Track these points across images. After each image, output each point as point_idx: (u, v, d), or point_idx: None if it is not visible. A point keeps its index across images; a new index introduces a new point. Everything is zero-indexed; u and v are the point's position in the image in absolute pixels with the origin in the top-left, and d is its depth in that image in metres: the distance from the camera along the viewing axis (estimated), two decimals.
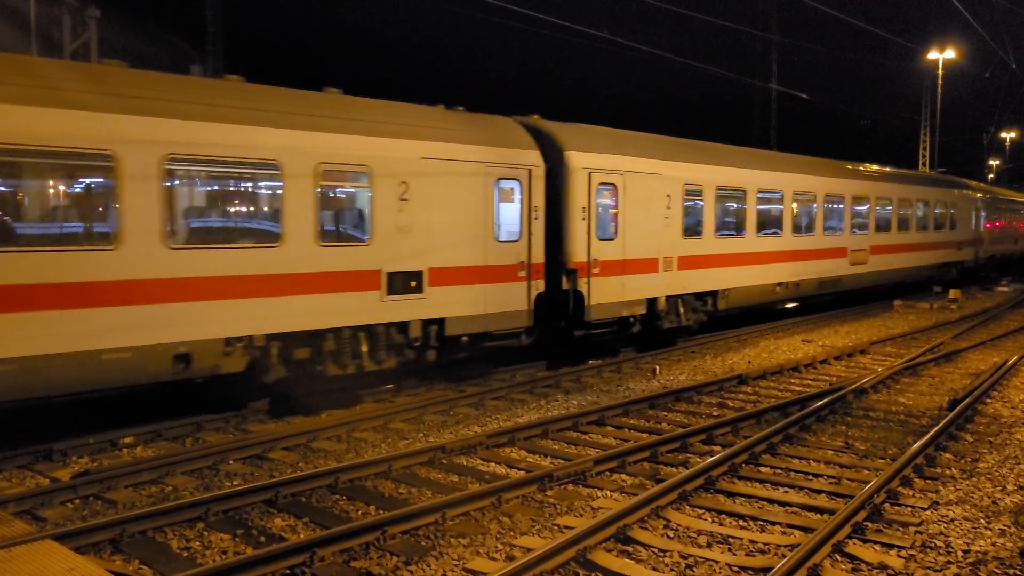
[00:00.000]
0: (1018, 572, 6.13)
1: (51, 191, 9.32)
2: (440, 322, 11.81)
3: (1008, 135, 70.73)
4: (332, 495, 7.83)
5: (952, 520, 7.19)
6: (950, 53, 40.79)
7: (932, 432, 9.44)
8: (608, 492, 7.95)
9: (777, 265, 18.90)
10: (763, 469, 8.72)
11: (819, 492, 7.96)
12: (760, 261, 18.32)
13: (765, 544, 6.68)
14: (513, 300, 12.74)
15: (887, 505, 7.50)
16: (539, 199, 13.05)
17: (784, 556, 6.30)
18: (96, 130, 8.59)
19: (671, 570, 6.19)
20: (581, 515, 7.30)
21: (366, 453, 9.23)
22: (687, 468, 8.46)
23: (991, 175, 72.91)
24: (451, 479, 8.36)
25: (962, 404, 10.91)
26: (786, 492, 7.98)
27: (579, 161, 13.67)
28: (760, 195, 18.33)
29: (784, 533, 6.96)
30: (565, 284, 13.66)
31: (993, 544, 6.68)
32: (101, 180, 9.04)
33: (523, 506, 7.51)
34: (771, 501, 7.71)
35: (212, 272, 9.47)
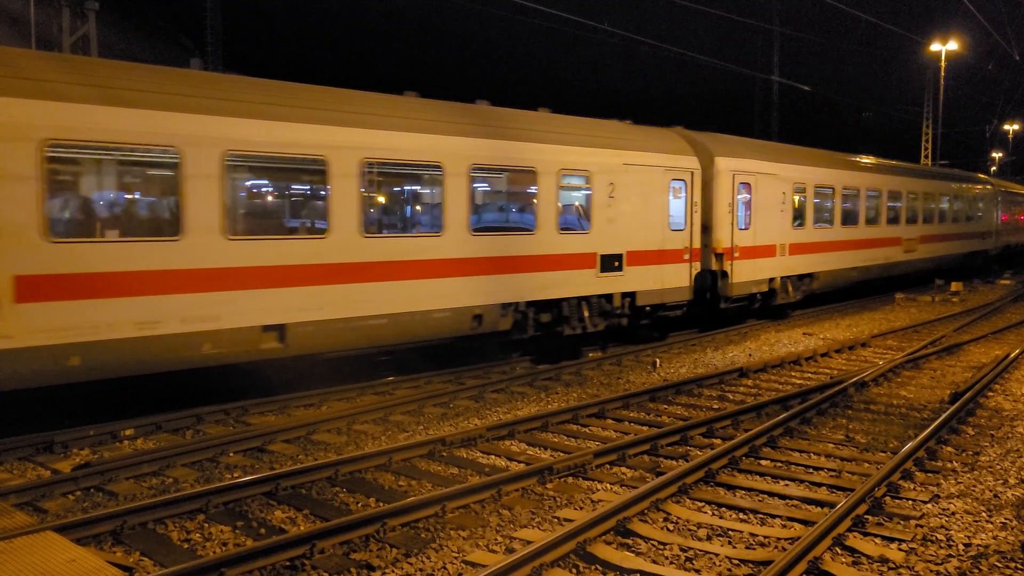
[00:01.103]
0: (1020, 566, 6.13)
1: (406, 193, 12.55)
2: (632, 295, 14.84)
3: (1011, 127, 70.54)
4: (332, 487, 7.83)
5: (953, 513, 7.19)
6: (953, 45, 40.65)
7: (933, 425, 9.43)
8: (608, 485, 7.94)
9: (854, 252, 22.20)
10: (763, 462, 8.71)
11: (820, 485, 7.96)
12: (843, 248, 21.63)
13: (765, 537, 6.68)
14: (679, 278, 15.75)
15: (888, 498, 7.50)
16: (697, 196, 16.07)
17: (784, 549, 6.30)
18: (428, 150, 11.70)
19: (671, 563, 6.18)
20: (581, 508, 7.30)
21: (366, 445, 9.23)
22: (687, 461, 8.46)
23: (993, 167, 72.77)
24: (451, 472, 8.36)
25: (964, 397, 10.90)
26: (786, 485, 7.98)
27: (725, 165, 16.68)
28: (844, 192, 21.67)
29: (784, 526, 6.96)
30: (713, 265, 16.74)
31: (994, 537, 6.67)
32: (432, 188, 12.25)
33: (523, 499, 7.51)
34: (771, 494, 7.70)
35: (496, 253, 12.48)
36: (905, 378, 13.15)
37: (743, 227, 17.31)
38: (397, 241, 11.52)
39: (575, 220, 13.91)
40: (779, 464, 8.66)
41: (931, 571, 6.03)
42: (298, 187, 11.22)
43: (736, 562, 6.19)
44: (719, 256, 16.67)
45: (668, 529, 6.84)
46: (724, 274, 16.74)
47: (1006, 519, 7.07)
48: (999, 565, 6.14)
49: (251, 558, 5.88)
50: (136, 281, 8.93)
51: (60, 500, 7.47)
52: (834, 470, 8.40)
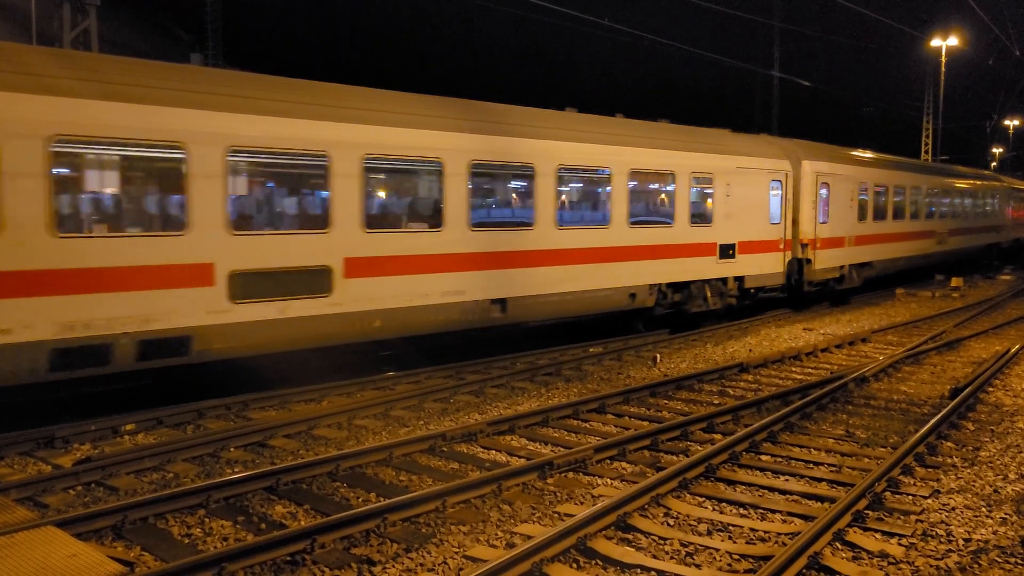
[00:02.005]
0: (1020, 561, 6.13)
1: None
2: (742, 279, 17.72)
3: (1011, 123, 70.43)
4: (333, 482, 7.84)
5: (953, 509, 7.19)
6: (953, 40, 40.54)
7: (934, 421, 9.43)
8: (608, 480, 7.95)
9: (901, 243, 25.37)
10: (764, 457, 8.72)
11: (820, 480, 7.96)
12: (894, 240, 24.77)
13: (766, 532, 6.68)
14: (776, 264, 18.71)
15: (888, 494, 7.50)
16: (790, 194, 18.91)
17: (785, 544, 6.30)
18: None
19: (671, 558, 6.19)
20: (581, 503, 7.30)
21: (367, 440, 9.24)
22: (687, 456, 8.46)
23: (994, 163, 72.69)
24: (451, 467, 8.37)
25: (964, 393, 10.90)
26: (787, 480, 7.98)
27: (810, 167, 19.61)
28: (894, 190, 24.83)
29: (785, 521, 6.96)
30: (799, 254, 19.57)
31: (994, 533, 6.68)
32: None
33: (523, 494, 7.51)
34: (772, 489, 7.71)
35: (646, 243, 15.39)
36: (905, 373, 13.15)
37: (823, 221, 20.17)
38: (580, 232, 14.18)
39: (701, 215, 16.66)
40: (779, 459, 8.66)
41: (931, 566, 6.03)
42: (515, 188, 13.76)
43: (736, 557, 6.20)
44: (804, 246, 19.61)
45: (668, 524, 6.85)
46: (808, 261, 19.67)
47: (1006, 514, 7.07)
48: (999, 560, 6.14)
49: (252, 553, 5.89)
50: (416, 263, 11.74)
51: (61, 495, 7.48)
52: (834, 465, 8.41)
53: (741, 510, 7.21)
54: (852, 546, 6.37)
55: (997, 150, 74.37)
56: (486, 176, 12.88)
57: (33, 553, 5.41)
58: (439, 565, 6.02)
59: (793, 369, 13.56)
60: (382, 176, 11.75)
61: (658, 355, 14.38)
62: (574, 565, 6.03)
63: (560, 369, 13.24)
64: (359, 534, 6.45)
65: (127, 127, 8.98)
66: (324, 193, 10.76)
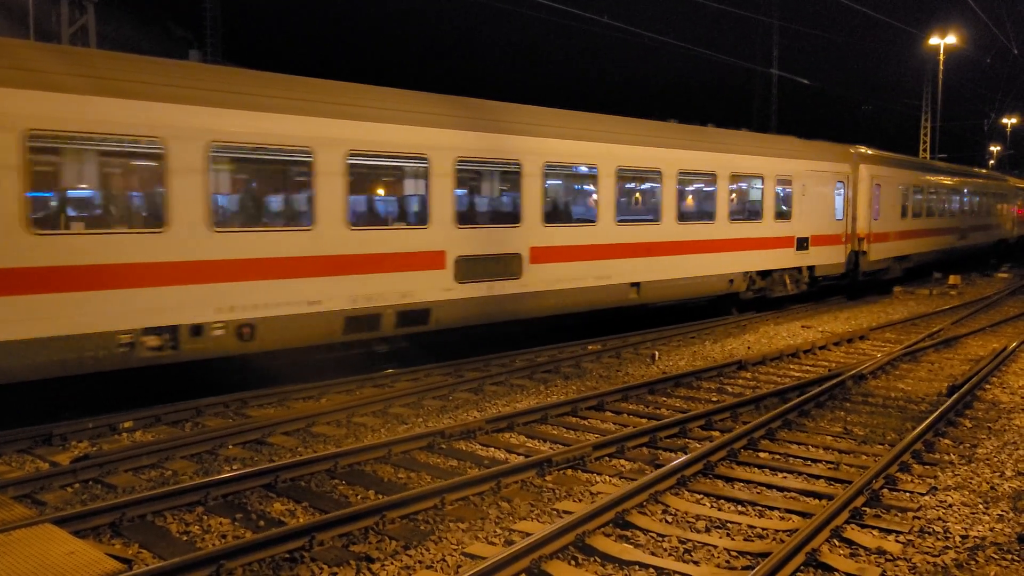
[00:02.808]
0: (1016, 557, 6.15)
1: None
2: (813, 268, 20.35)
3: (1009, 121, 70.47)
4: (331, 480, 7.84)
5: (950, 506, 7.21)
6: (951, 39, 40.56)
7: (931, 418, 9.45)
8: (607, 477, 7.96)
9: (933, 238, 28.49)
10: (762, 454, 8.73)
11: (818, 478, 7.97)
12: (927, 236, 27.71)
13: (763, 529, 6.70)
14: (839, 256, 21.42)
15: (885, 491, 7.52)
16: (850, 193, 21.67)
17: (782, 541, 6.31)
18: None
19: (670, 555, 6.20)
20: (580, 500, 7.31)
21: (365, 438, 9.24)
22: (686, 453, 8.46)
23: (991, 161, 72.74)
24: (450, 464, 8.37)
25: (961, 390, 10.92)
26: (785, 477, 7.99)
27: (866, 171, 22.38)
28: (927, 190, 28.03)
29: (783, 518, 6.98)
30: (856, 247, 22.23)
31: (991, 529, 6.69)
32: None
33: (522, 491, 7.52)
34: (770, 486, 7.72)
35: (743, 235, 17.83)
36: (903, 371, 13.17)
37: (875, 218, 22.94)
38: (695, 227, 16.59)
39: (782, 212, 19.16)
40: (777, 456, 8.68)
41: (928, 563, 6.05)
42: (644, 187, 16.08)
43: (735, 554, 6.21)
44: (860, 240, 22.26)
45: (667, 521, 6.86)
46: (863, 253, 22.45)
47: (1003, 511, 7.09)
48: (995, 557, 6.16)
49: (250, 550, 5.89)
50: (579, 252, 14.29)
51: (59, 492, 7.48)
52: (832, 462, 8.42)
53: (739, 507, 7.22)
54: (850, 543, 6.38)
55: (995, 148, 74.41)
56: (630, 179, 15.66)
57: (31, 551, 5.41)
58: (438, 562, 6.02)
59: (791, 367, 13.57)
60: (559, 181, 14.65)
61: (656, 353, 14.39)
62: (573, 562, 6.04)
63: (559, 367, 13.25)
64: (358, 531, 6.46)
65: (400, 144, 11.74)
66: (517, 194, 13.48)
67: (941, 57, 41.40)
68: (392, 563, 5.98)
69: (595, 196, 14.70)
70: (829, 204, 20.89)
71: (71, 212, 9.36)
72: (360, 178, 11.41)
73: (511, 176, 13.30)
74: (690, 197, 17.01)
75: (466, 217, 12.72)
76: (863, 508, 7.01)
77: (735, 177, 17.56)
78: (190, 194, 9.53)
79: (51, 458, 8.47)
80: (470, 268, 12.38)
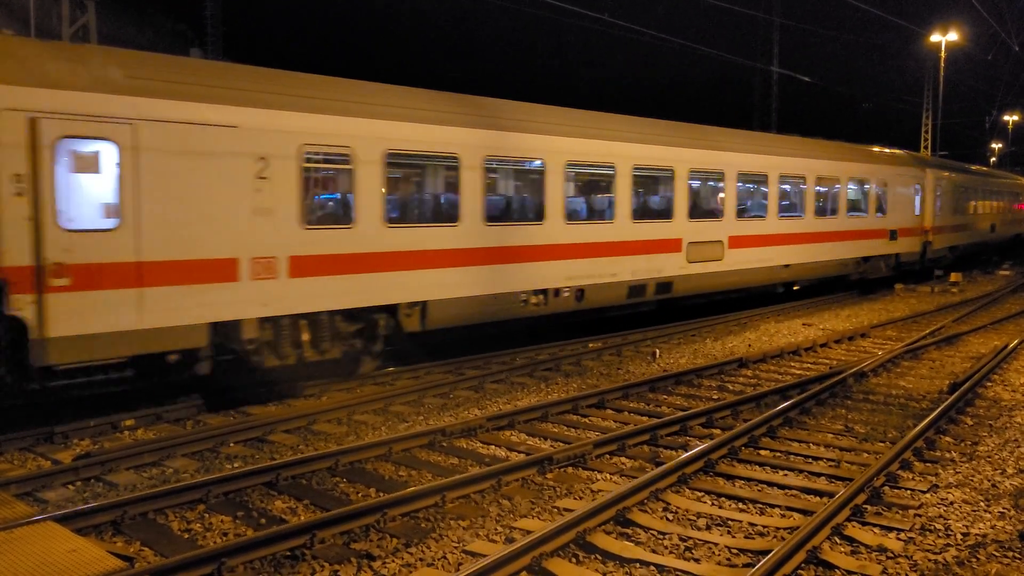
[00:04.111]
0: (1017, 555, 6.15)
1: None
2: (898, 255, 24.53)
3: (1010, 118, 70.35)
4: (332, 477, 7.84)
5: (952, 503, 7.21)
6: (952, 35, 40.48)
7: (932, 415, 9.45)
8: (608, 475, 7.96)
9: (974, 231, 33.19)
10: (763, 452, 8.73)
11: (819, 475, 7.97)
12: (971, 229, 32.61)
13: (764, 527, 6.70)
14: (916, 245, 25.76)
15: (887, 488, 7.52)
16: (924, 194, 26.08)
17: (783, 539, 6.31)
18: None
19: (670, 552, 6.20)
20: (581, 498, 7.31)
21: (366, 436, 9.25)
22: (687, 451, 8.46)
23: (993, 158, 72.63)
24: (451, 462, 8.38)
25: (963, 387, 10.91)
26: (786, 475, 8.00)
27: (932, 175, 26.92)
28: (971, 190, 32.54)
29: (783, 516, 6.98)
30: (924, 238, 26.21)
31: (992, 527, 6.69)
32: (803, 187, 20.38)
33: (523, 489, 7.52)
34: (771, 484, 7.73)
35: (852, 228, 21.85)
36: (904, 368, 13.17)
37: (937, 214, 27.21)
38: (826, 220, 20.78)
39: (880, 208, 23.25)
40: (778, 454, 8.68)
41: (929, 560, 6.05)
42: (791, 189, 19.70)
43: (735, 551, 6.21)
44: (926, 232, 26.41)
45: (668, 519, 6.86)
46: (929, 243, 26.59)
47: (1004, 508, 7.09)
48: (997, 554, 6.16)
49: (251, 548, 5.90)
50: (758, 240, 18.27)
51: (61, 490, 7.49)
52: (833, 460, 8.42)
53: (740, 505, 7.23)
54: (851, 540, 6.39)
55: (996, 145, 74.31)
56: (786, 184, 19.50)
57: (33, 548, 5.42)
58: (439, 560, 6.03)
59: (792, 364, 13.57)
60: (751, 185, 18.67)
61: (657, 350, 14.39)
62: (573, 560, 6.04)
63: (559, 364, 13.25)
64: (359, 529, 6.47)
65: (652, 159, 15.57)
66: (723, 195, 17.42)
67: (942, 54, 41.34)
68: (393, 561, 5.99)
69: (768, 195, 18.83)
70: (910, 203, 25.23)
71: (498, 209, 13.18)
72: (641, 182, 15.62)
73: (718, 181, 17.52)
74: (823, 196, 21.02)
75: (694, 212, 16.61)
76: (864, 506, 7.01)
77: (851, 180, 22.02)
78: (554, 196, 13.63)
79: (53, 456, 8.48)
80: (695, 251, 16.51)
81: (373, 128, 10.95)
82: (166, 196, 9.10)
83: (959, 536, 6.50)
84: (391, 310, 11.42)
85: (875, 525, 6.67)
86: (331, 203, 11.24)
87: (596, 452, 8.45)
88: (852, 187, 22.11)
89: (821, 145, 22.01)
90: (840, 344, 15.44)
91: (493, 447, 8.91)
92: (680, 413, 9.88)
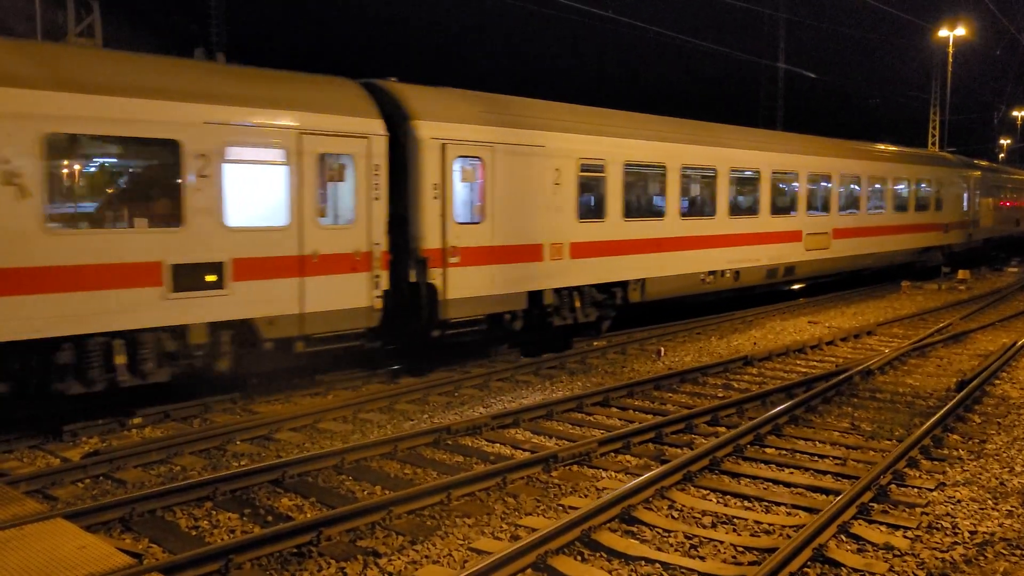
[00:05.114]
0: None
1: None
2: (951, 245, 28.05)
3: (1019, 113, 69.94)
4: (338, 475, 7.87)
5: (959, 501, 7.19)
6: (960, 30, 40.25)
7: (940, 413, 9.42)
8: (613, 473, 7.97)
9: (1005, 224, 35.92)
10: (768, 450, 8.72)
11: (825, 473, 7.97)
12: (1003, 222, 35.37)
13: (770, 525, 6.70)
14: (964, 236, 29.17)
15: (893, 486, 7.50)
16: (969, 192, 29.48)
17: (789, 537, 6.31)
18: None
19: (676, 550, 6.21)
20: (586, 496, 7.32)
21: (372, 434, 9.27)
22: (692, 449, 8.47)
23: (1001, 154, 72.25)
24: (456, 460, 8.40)
25: (970, 385, 10.88)
26: (792, 473, 7.99)
27: (976, 175, 30.58)
28: (1003, 187, 35.86)
29: (789, 514, 6.97)
30: (969, 230, 29.94)
31: (1000, 525, 6.68)
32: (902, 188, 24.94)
33: (528, 487, 7.54)
34: (776, 482, 7.72)
35: (919, 222, 25.46)
36: (911, 366, 13.13)
37: (977, 210, 30.95)
38: (903, 215, 24.49)
39: (937, 204, 26.68)
40: (784, 452, 8.67)
41: (936, 558, 6.04)
42: (871, 189, 22.93)
43: (741, 549, 6.21)
44: (969, 225, 29.78)
45: (673, 517, 6.87)
46: (971, 235, 30.14)
47: (1012, 507, 7.07)
48: (1004, 552, 6.15)
49: (258, 545, 5.93)
50: (864, 232, 22.31)
51: (70, 488, 7.53)
52: (839, 458, 8.41)
53: (746, 503, 7.22)
54: (857, 538, 6.38)
55: (1005, 141, 73.93)
56: (874, 184, 23.14)
57: (43, 545, 5.46)
58: (444, 557, 6.05)
59: (798, 362, 13.54)
60: (855, 187, 22.09)
61: (662, 348, 14.38)
62: (579, 557, 6.05)
63: (564, 362, 13.25)
64: (365, 526, 6.49)
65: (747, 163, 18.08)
66: (829, 194, 20.75)
67: (950, 49, 41.12)
68: (399, 558, 6.01)
69: (859, 196, 22.34)
70: (960, 200, 28.64)
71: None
72: (775, 184, 18.81)
73: (827, 182, 20.73)
74: (898, 195, 24.40)
75: (810, 209, 19.94)
76: (871, 504, 7.01)
77: (919, 181, 25.50)
78: (722, 195, 17.02)
79: (62, 454, 8.53)
80: (811, 241, 19.83)
81: (617, 145, 14.41)
82: (504, 197, 12.46)
83: (966, 534, 6.48)
84: (623, 285, 14.72)
85: (882, 523, 6.67)
86: (592, 202, 14.27)
87: (601, 450, 8.45)
88: (919, 187, 25.65)
89: (896, 152, 25.71)
90: (846, 342, 15.40)
91: (498, 445, 8.92)
92: (685, 411, 9.88)
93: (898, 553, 6.12)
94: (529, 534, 6.11)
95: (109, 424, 9.41)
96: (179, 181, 9.17)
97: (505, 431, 9.42)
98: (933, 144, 43.33)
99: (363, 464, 8.17)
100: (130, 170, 9.63)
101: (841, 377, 11.43)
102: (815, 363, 13.46)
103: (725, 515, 6.89)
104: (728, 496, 7.37)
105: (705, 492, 7.47)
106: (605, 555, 6.10)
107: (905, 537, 6.40)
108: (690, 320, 17.42)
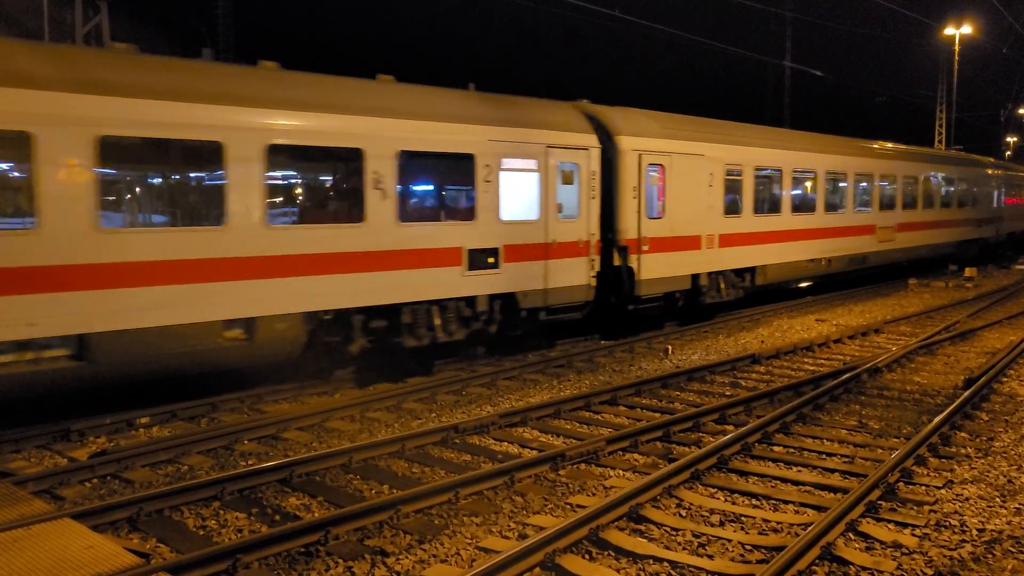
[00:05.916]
0: None
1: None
2: (984, 239, 30.61)
3: None
4: (346, 474, 7.88)
5: (967, 499, 7.16)
6: (967, 28, 40.12)
7: (947, 411, 9.39)
8: (620, 471, 7.96)
9: None
10: (776, 448, 8.70)
11: (833, 471, 7.94)
12: None
13: (778, 523, 6.68)
14: (992, 231, 31.80)
15: (901, 484, 7.47)
16: (997, 191, 32.47)
17: (797, 535, 6.29)
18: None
19: (684, 549, 6.19)
20: (593, 494, 7.31)
21: (379, 433, 9.28)
22: (700, 447, 8.46)
23: (1008, 152, 71.93)
24: (464, 459, 8.40)
25: (978, 383, 10.83)
26: (799, 471, 7.97)
27: (1004, 174, 33.43)
28: (1019, 187, 38.17)
29: (797, 512, 6.95)
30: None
31: (1008, 523, 6.64)
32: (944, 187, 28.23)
33: (536, 485, 7.53)
34: (784, 480, 7.70)
35: (955, 217, 28.19)
36: (919, 364, 13.09)
37: (1004, 207, 34.01)
38: (942, 211, 26.77)
39: (973, 201, 29.63)
40: (792, 450, 8.65)
41: (944, 556, 6.02)
42: (929, 186, 25.96)
43: (749, 548, 6.20)
44: (997, 220, 32.53)
45: (680, 515, 6.85)
46: (999, 229, 33.09)
47: (1020, 504, 7.04)
48: (1013, 550, 6.12)
49: (266, 544, 5.93)
50: (910, 226, 24.61)
51: (77, 487, 7.56)
52: (847, 456, 8.38)
53: (753, 501, 7.21)
54: (865, 536, 6.36)
55: (1011, 139, 73.58)
56: (940, 184, 26.55)
57: (50, 545, 5.47)
58: (452, 556, 6.05)
59: (805, 360, 13.51)
60: (908, 185, 24.71)
61: (670, 347, 14.36)
62: (586, 556, 6.05)
63: (572, 361, 13.24)
64: (372, 526, 6.49)
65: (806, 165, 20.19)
66: (894, 193, 23.62)
67: (956, 47, 40.98)
68: (407, 557, 6.01)
69: (917, 193, 24.85)
70: (990, 197, 31.75)
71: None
72: (856, 184, 21.81)
73: (893, 182, 23.64)
74: (947, 193, 27.25)
75: (881, 205, 22.84)
76: (879, 502, 6.98)
77: (961, 180, 28.43)
78: (820, 195, 20.07)
79: (69, 454, 8.56)
80: (881, 234, 22.79)
81: (750, 153, 17.53)
82: (676, 197, 15.36)
83: (975, 532, 6.46)
84: (752, 271, 17.75)
85: (890, 521, 6.64)
86: (733, 200, 17.11)
87: (609, 449, 8.44)
88: (962, 186, 28.44)
89: (944, 154, 29.65)
90: (854, 340, 15.35)
91: (506, 444, 8.92)
92: (693, 410, 9.86)
93: (906, 551, 6.10)
94: (537, 533, 6.10)
95: (116, 424, 9.44)
96: (472, 185, 12.15)
97: (513, 430, 9.42)
98: (940, 142, 43.17)
99: (371, 463, 8.18)
100: (443, 178, 12.70)
101: (849, 375, 11.40)
102: (823, 361, 13.42)
103: (733, 513, 6.88)
104: (736, 494, 7.35)
105: (713, 490, 7.45)
106: (613, 554, 6.09)
107: (913, 535, 6.38)
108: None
